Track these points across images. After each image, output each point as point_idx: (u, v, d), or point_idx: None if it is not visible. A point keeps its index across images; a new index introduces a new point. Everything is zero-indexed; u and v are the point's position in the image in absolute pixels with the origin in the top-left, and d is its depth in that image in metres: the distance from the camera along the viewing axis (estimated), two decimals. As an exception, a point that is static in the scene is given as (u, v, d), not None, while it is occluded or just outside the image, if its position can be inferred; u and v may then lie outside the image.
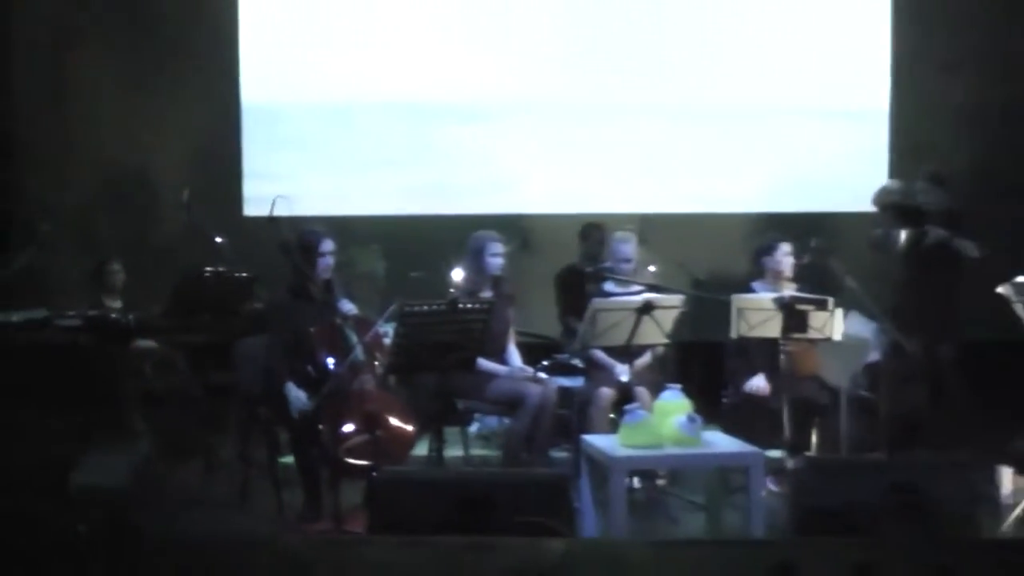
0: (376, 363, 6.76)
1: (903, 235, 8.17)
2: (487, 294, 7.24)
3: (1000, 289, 6.78)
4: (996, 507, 6.79)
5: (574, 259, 8.91)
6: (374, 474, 5.63)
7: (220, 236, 8.13)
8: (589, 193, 9.71)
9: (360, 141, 9.67)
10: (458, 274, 7.41)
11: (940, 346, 8.24)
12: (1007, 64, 10.00)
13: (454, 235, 7.91)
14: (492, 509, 4.60)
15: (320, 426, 6.36)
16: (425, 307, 6.33)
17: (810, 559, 3.67)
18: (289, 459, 6.74)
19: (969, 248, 8.08)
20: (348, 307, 6.75)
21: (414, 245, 9.22)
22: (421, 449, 6.98)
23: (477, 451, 8.00)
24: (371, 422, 6.32)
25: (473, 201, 9.56)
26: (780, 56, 9.90)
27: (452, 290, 7.11)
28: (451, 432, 7.57)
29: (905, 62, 10.03)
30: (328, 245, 6.85)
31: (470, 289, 7.26)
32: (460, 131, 9.66)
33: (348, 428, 6.36)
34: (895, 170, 9.74)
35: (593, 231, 8.99)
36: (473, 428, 8.28)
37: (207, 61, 9.68)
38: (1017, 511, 6.52)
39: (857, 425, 7.26)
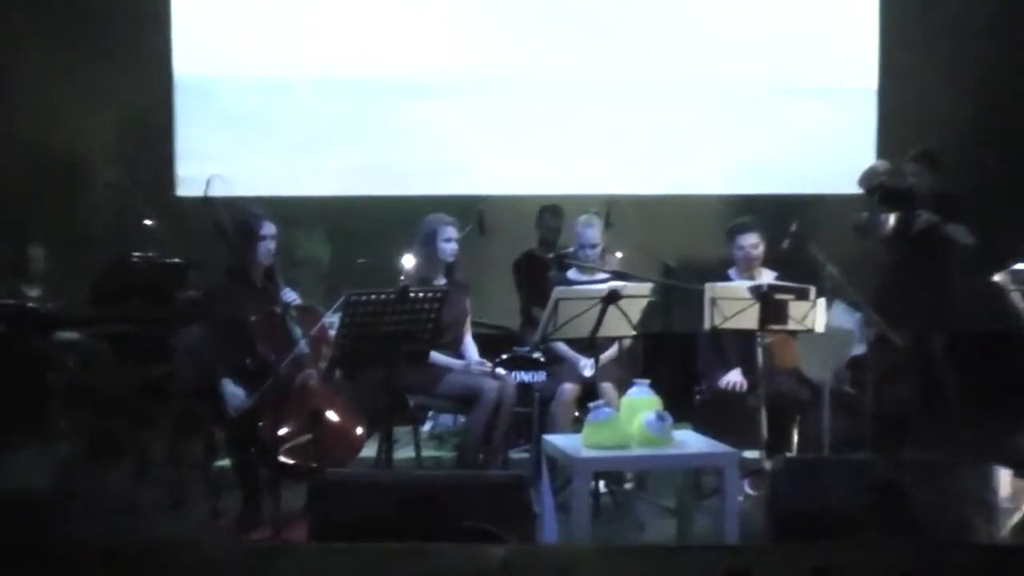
0: (321, 357, 6.73)
1: (891, 219, 8.19)
2: (440, 282, 7.22)
3: (996, 277, 6.82)
4: (992, 511, 6.81)
5: (533, 244, 8.91)
6: (317, 477, 5.59)
7: (151, 219, 8.07)
8: (551, 174, 9.71)
9: (303, 118, 9.63)
10: (409, 260, 7.38)
11: (931, 338, 8.28)
12: (1003, 40, 10.07)
13: (404, 218, 7.88)
14: (445, 514, 4.59)
15: (259, 425, 6.33)
16: (373, 296, 6.29)
17: (766, 565, 3.68)
18: (226, 461, 6.71)
19: (961, 233, 8.11)
20: (290, 296, 6.72)
21: (361, 229, 9.20)
22: (369, 450, 6.94)
23: (430, 452, 8.00)
24: (314, 421, 6.29)
25: (425, 182, 9.54)
26: (760, 32, 9.93)
27: (402, 278, 7.08)
28: (402, 431, 7.57)
29: (894, 37, 10.08)
30: (268, 228, 6.81)
31: (422, 276, 7.24)
32: (410, 108, 9.63)
33: (289, 427, 6.33)
34: (882, 150, 9.79)
35: (549, 214, 8.98)
36: (426, 427, 8.28)
37: (136, 32, 9.60)
38: (1016, 516, 6.55)
39: (840, 423, 7.29)
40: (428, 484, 4.87)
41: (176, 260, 7.94)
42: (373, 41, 9.59)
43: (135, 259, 7.92)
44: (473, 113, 9.72)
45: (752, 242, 7.47)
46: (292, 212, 8.46)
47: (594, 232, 7.48)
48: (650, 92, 9.85)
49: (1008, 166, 10.04)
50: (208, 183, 7.05)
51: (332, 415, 6.48)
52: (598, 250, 7.49)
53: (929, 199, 8.24)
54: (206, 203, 7.03)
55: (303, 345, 6.55)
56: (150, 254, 7.95)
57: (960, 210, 8.21)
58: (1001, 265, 6.81)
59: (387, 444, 6.58)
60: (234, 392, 6.48)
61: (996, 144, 10.06)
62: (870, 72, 10.12)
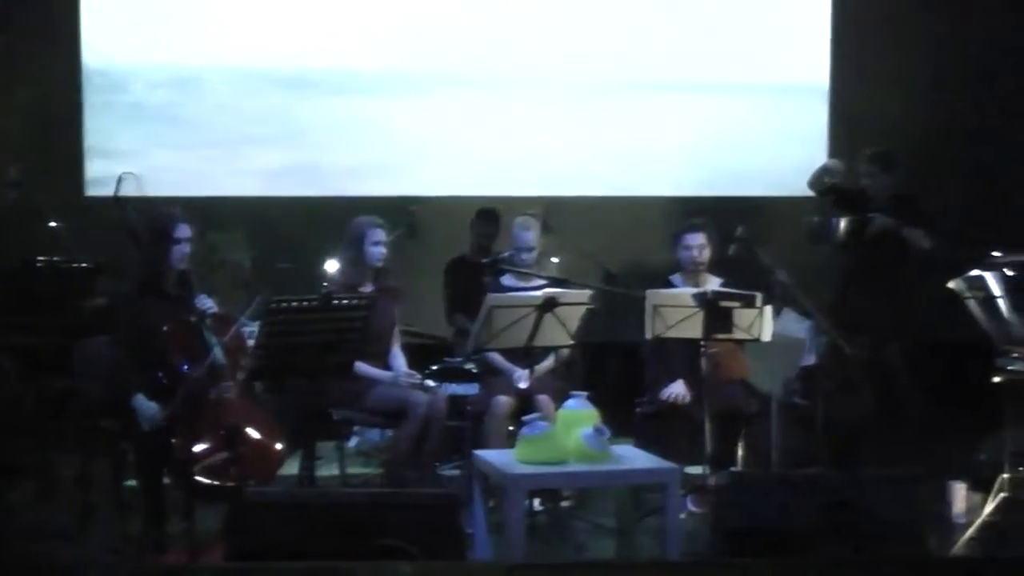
0: (239, 368, 6.72)
1: (844, 223, 8.27)
2: (367, 288, 7.24)
3: (952, 284, 6.91)
4: (947, 526, 6.93)
5: (467, 248, 8.95)
6: (235, 497, 5.60)
7: (56, 220, 8.04)
8: (488, 174, 9.74)
9: (221, 112, 9.61)
10: (333, 265, 7.40)
11: (886, 347, 8.36)
12: (959, 36, 10.21)
13: (330, 221, 7.90)
14: (371, 534, 4.63)
15: (172, 442, 6.31)
16: (295, 303, 6.29)
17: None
18: (136, 481, 6.68)
19: (919, 237, 8.20)
20: (206, 303, 6.70)
21: (284, 231, 9.20)
22: (290, 467, 6.96)
23: (355, 469, 7.99)
24: (232, 437, 6.29)
25: (351, 183, 9.55)
26: (708, 29, 10.02)
27: (326, 284, 7.08)
28: (325, 447, 7.58)
29: (847, 33, 10.19)
30: (184, 231, 6.78)
31: (348, 282, 7.24)
32: (336, 105, 9.64)
33: (205, 444, 6.32)
34: (834, 150, 9.90)
35: (483, 218, 9.02)
36: (351, 443, 8.29)
37: (42, 19, 9.55)
38: (970, 531, 6.66)
39: (789, 436, 7.36)
40: (353, 503, 4.91)
41: (83, 264, 7.91)
42: (297, 33, 9.58)
43: (39, 263, 7.88)
44: (405, 111, 9.73)
45: (699, 243, 7.53)
46: (209, 213, 8.41)
47: (531, 235, 7.52)
48: (592, 90, 9.91)
49: (966, 166, 10.19)
50: (119, 182, 7.06)
51: (251, 431, 6.47)
52: (535, 254, 7.52)
53: (885, 201, 8.32)
54: (116, 203, 7.02)
55: (220, 356, 6.54)
56: (55, 258, 7.92)
57: (918, 213, 8.29)
58: (961, 270, 6.91)
59: (309, 461, 6.60)
60: (147, 407, 6.45)
61: (954, 144, 10.20)
62: (822, 69, 10.22)
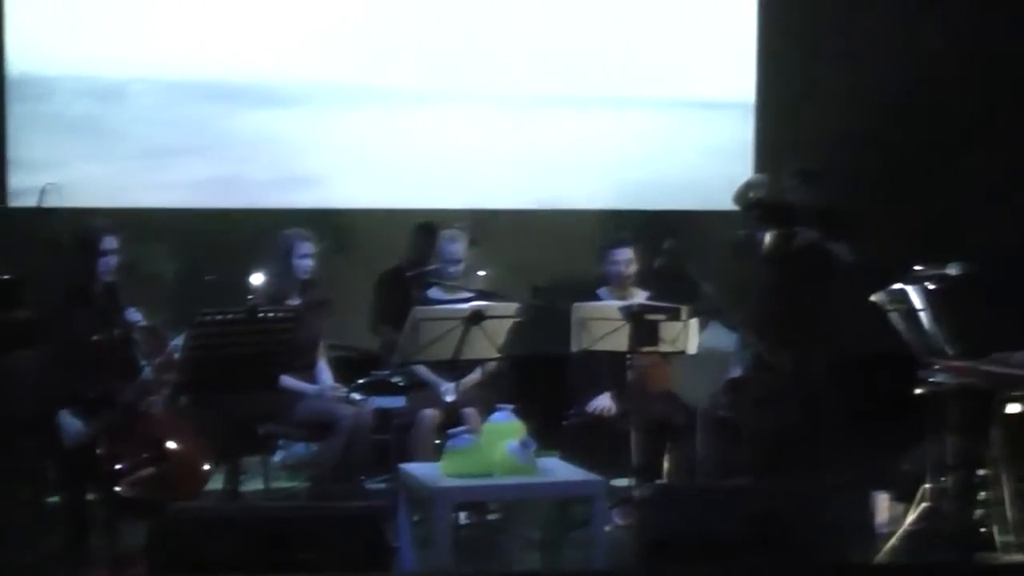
0: (165, 382, 6.68)
1: (768, 237, 8.34)
2: (294, 301, 7.23)
3: (874, 297, 7.00)
4: (870, 536, 7.01)
5: (398, 260, 8.93)
6: (159, 513, 5.56)
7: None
8: (413, 187, 9.72)
9: (144, 125, 9.51)
10: (260, 278, 7.37)
11: (810, 360, 8.43)
12: (885, 52, 10.32)
13: (255, 232, 7.87)
14: (295, 549, 4.62)
15: (97, 457, 6.27)
16: (220, 316, 6.28)
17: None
18: (59, 497, 6.63)
19: (843, 252, 8.29)
20: (134, 316, 6.68)
21: (210, 244, 9.13)
22: (216, 482, 6.92)
23: (281, 483, 7.96)
24: (157, 451, 6.26)
25: (279, 194, 9.50)
26: (635, 43, 10.04)
27: (251, 296, 7.06)
28: (251, 462, 7.55)
29: (772, 50, 10.27)
30: (109, 243, 6.75)
31: (274, 295, 7.23)
32: (263, 116, 9.57)
33: (130, 459, 6.29)
34: (760, 165, 9.97)
35: (422, 232, 8.99)
36: (277, 457, 8.25)
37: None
38: (892, 540, 6.74)
39: (716, 448, 7.42)
40: (278, 518, 4.90)
41: (5, 277, 7.84)
42: (222, 45, 9.51)
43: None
44: (330, 124, 9.68)
45: (627, 257, 7.58)
46: (135, 225, 8.37)
47: (458, 247, 7.54)
48: (521, 103, 9.91)
49: (892, 181, 10.29)
50: (43, 193, 6.99)
51: (176, 445, 6.45)
52: (462, 266, 7.54)
53: (810, 216, 8.39)
54: (40, 214, 6.96)
55: (147, 370, 6.51)
56: (-23, 270, 7.83)
57: (843, 227, 8.37)
58: (886, 284, 6.99)
59: (234, 476, 6.58)
60: (71, 424, 6.40)
61: (879, 159, 10.30)
62: (747, 85, 10.30)
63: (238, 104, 9.54)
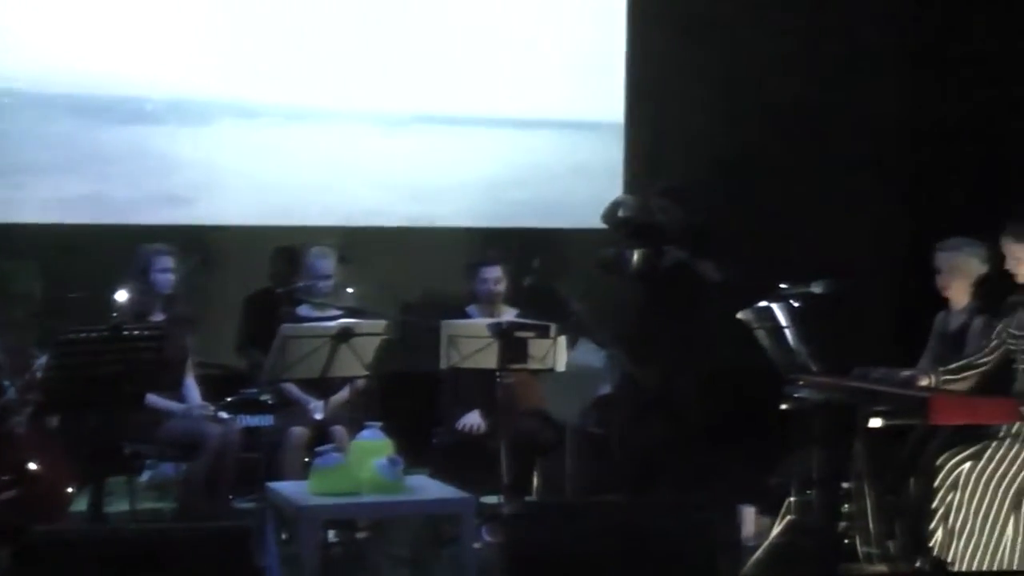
0: (28, 401, 6.57)
1: (637, 255, 8.41)
2: (157, 317, 7.14)
3: (741, 315, 7.08)
4: (737, 550, 7.08)
5: (266, 281, 8.85)
6: (21, 537, 5.46)
7: None
8: (282, 205, 9.66)
9: (8, 140, 9.33)
10: (124, 295, 7.27)
11: (678, 377, 8.51)
12: (755, 73, 10.48)
13: (121, 249, 7.76)
14: (161, 570, 4.56)
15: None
16: (84, 334, 6.19)
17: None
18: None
19: (710, 270, 8.38)
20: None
21: (75, 261, 8.99)
22: (80, 504, 6.81)
23: (148, 504, 7.84)
24: (19, 473, 6.15)
25: (147, 211, 9.39)
26: (507, 63, 10.08)
27: (115, 314, 6.96)
28: (117, 482, 7.44)
29: (641, 71, 10.37)
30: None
31: (137, 311, 7.13)
32: (130, 132, 9.46)
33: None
34: (629, 185, 10.06)
35: (282, 256, 8.91)
36: (144, 477, 8.15)
37: None
38: (758, 553, 6.82)
39: (585, 465, 7.45)
40: (144, 539, 4.83)
41: None
42: (86, 60, 9.38)
43: None
44: (197, 141, 9.57)
45: (496, 275, 7.58)
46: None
47: (327, 263, 7.50)
48: (390, 121, 9.90)
49: (758, 201, 10.44)
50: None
51: (39, 467, 6.34)
52: (331, 283, 7.50)
53: (678, 235, 8.47)
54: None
55: (11, 391, 6.39)
56: None
57: (710, 246, 8.46)
58: (753, 301, 7.08)
59: (99, 497, 6.47)
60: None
61: (748, 178, 10.44)
62: (617, 106, 10.38)
63: (103, 120, 9.41)
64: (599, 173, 10.13)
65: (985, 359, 6.39)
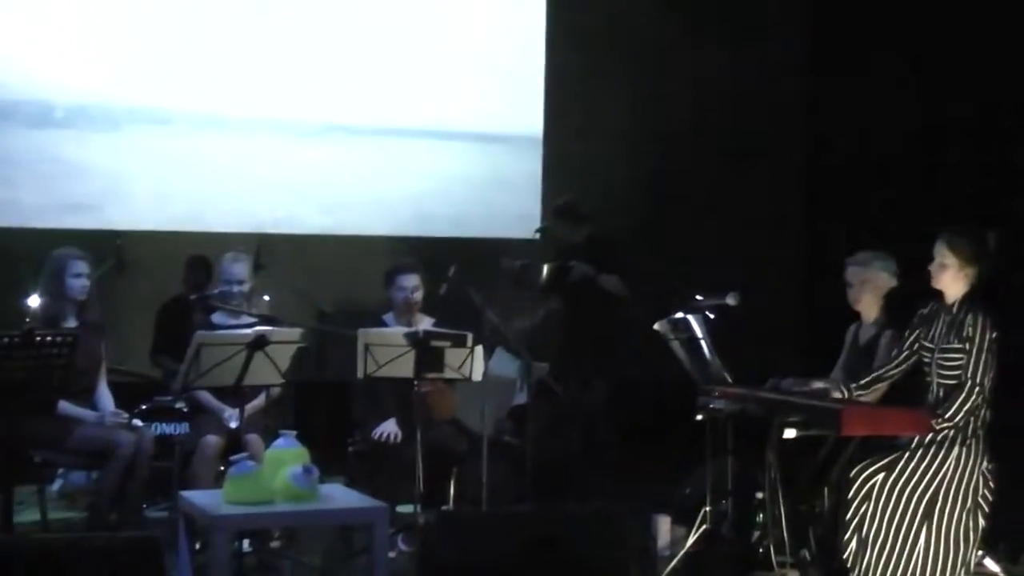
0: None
1: (546, 268, 8.42)
2: (71, 323, 7.04)
3: (657, 326, 7.10)
4: (651, 559, 7.09)
5: (179, 289, 8.77)
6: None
7: None
8: (200, 210, 9.60)
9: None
10: (35, 300, 7.16)
11: (592, 386, 8.52)
12: (667, 86, 10.57)
13: (32, 253, 7.64)
14: (71, 580, 4.50)
15: None
16: (-7, 339, 6.08)
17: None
18: None
19: (615, 285, 8.42)
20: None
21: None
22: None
23: (58, 514, 7.72)
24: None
25: (56, 216, 9.27)
26: (430, 75, 10.10)
27: (28, 319, 6.86)
28: (26, 491, 7.33)
29: (557, 85, 10.44)
30: None
31: (49, 316, 7.01)
32: (40, 136, 9.35)
33: None
34: (548, 197, 10.13)
35: (196, 265, 8.83)
36: (54, 486, 8.03)
37: None
38: (673, 563, 6.83)
39: (500, 474, 7.43)
40: (54, 549, 4.75)
41: None
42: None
43: None
44: (114, 145, 9.50)
45: (414, 283, 7.54)
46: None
47: (241, 267, 7.40)
48: (309, 130, 9.88)
49: (672, 213, 10.52)
50: None
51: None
52: (246, 287, 7.41)
53: (583, 249, 8.50)
54: None
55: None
56: None
57: (615, 260, 8.49)
58: (665, 313, 7.10)
59: (7, 506, 6.36)
60: None
61: (657, 190, 10.53)
62: (536, 119, 10.42)
63: (9, 124, 9.28)
64: (520, 185, 10.18)
65: (894, 371, 6.45)
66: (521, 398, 8.32)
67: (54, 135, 9.35)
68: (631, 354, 8.14)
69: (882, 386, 6.50)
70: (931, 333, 6.29)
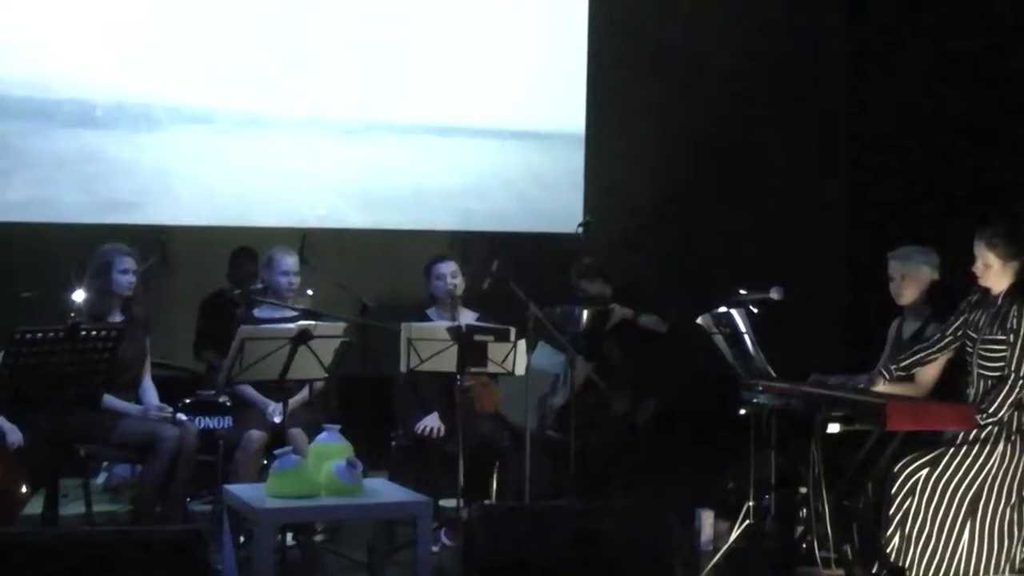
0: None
1: (585, 313, 8.43)
2: (116, 318, 7.06)
3: (700, 320, 7.10)
4: (694, 554, 7.08)
5: (222, 284, 8.79)
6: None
7: None
8: (244, 205, 9.63)
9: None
10: (80, 295, 7.19)
11: (642, 406, 8.58)
12: (701, 90, 10.55)
13: (77, 248, 7.68)
14: (116, 573, 4.51)
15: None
16: (39, 333, 6.10)
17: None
18: None
19: (655, 323, 8.49)
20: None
21: (28, 259, 8.89)
22: (34, 506, 6.72)
23: (103, 507, 7.77)
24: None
25: (103, 210, 9.31)
26: (470, 72, 10.10)
27: (72, 314, 6.88)
28: (71, 484, 7.36)
29: (599, 84, 10.42)
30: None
31: (95, 312, 7.04)
32: (81, 136, 9.37)
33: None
34: (589, 193, 10.15)
35: (243, 256, 8.85)
36: (99, 479, 8.07)
37: None
38: (716, 557, 6.81)
39: (543, 469, 7.42)
40: (99, 542, 4.76)
41: None
42: (40, 60, 9.29)
43: None
44: (159, 141, 9.53)
45: (452, 270, 7.54)
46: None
47: (291, 261, 7.45)
48: (351, 127, 9.88)
49: (713, 208, 10.48)
50: None
51: (-7, 468, 6.27)
52: (296, 280, 7.45)
53: (619, 295, 8.57)
54: None
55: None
56: None
57: (649, 300, 8.60)
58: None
59: (54, 499, 6.39)
60: None
61: (698, 186, 10.50)
62: (578, 116, 10.40)
63: (51, 123, 9.31)
64: (562, 182, 10.17)
65: (936, 353, 6.45)
66: (559, 399, 8.30)
67: (96, 134, 9.38)
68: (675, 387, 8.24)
69: (924, 370, 6.48)
70: (975, 323, 6.26)
